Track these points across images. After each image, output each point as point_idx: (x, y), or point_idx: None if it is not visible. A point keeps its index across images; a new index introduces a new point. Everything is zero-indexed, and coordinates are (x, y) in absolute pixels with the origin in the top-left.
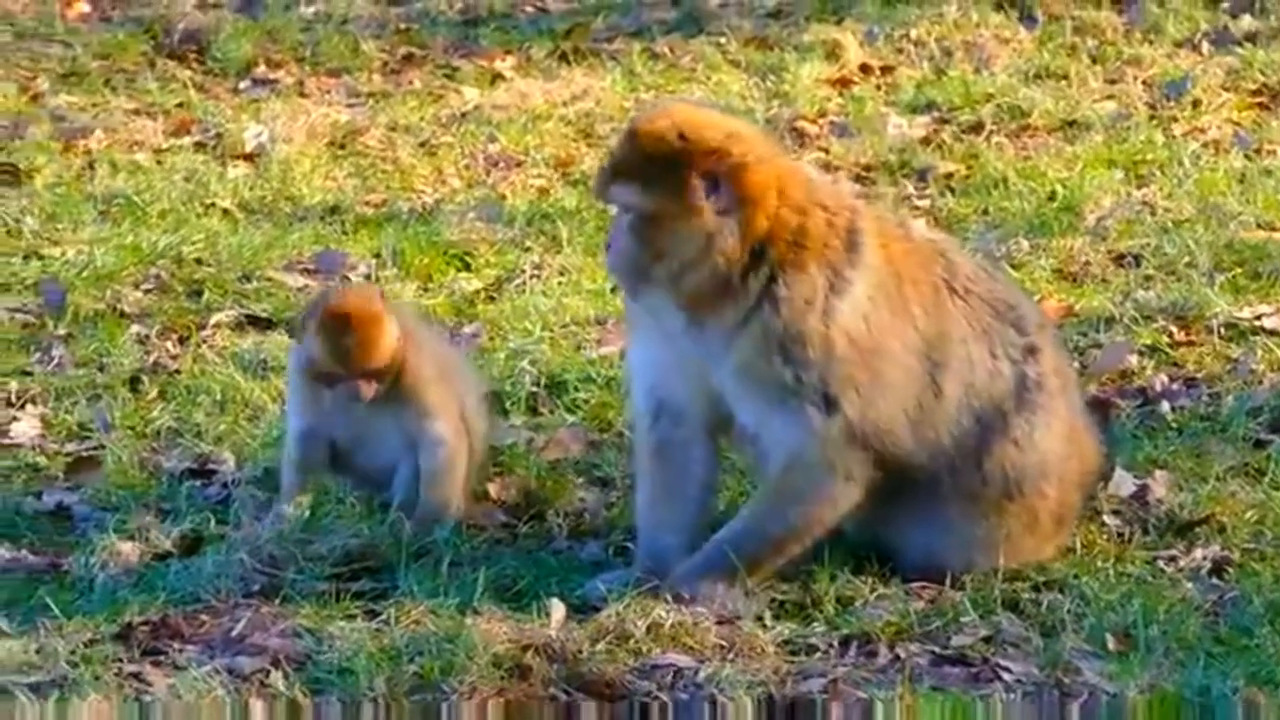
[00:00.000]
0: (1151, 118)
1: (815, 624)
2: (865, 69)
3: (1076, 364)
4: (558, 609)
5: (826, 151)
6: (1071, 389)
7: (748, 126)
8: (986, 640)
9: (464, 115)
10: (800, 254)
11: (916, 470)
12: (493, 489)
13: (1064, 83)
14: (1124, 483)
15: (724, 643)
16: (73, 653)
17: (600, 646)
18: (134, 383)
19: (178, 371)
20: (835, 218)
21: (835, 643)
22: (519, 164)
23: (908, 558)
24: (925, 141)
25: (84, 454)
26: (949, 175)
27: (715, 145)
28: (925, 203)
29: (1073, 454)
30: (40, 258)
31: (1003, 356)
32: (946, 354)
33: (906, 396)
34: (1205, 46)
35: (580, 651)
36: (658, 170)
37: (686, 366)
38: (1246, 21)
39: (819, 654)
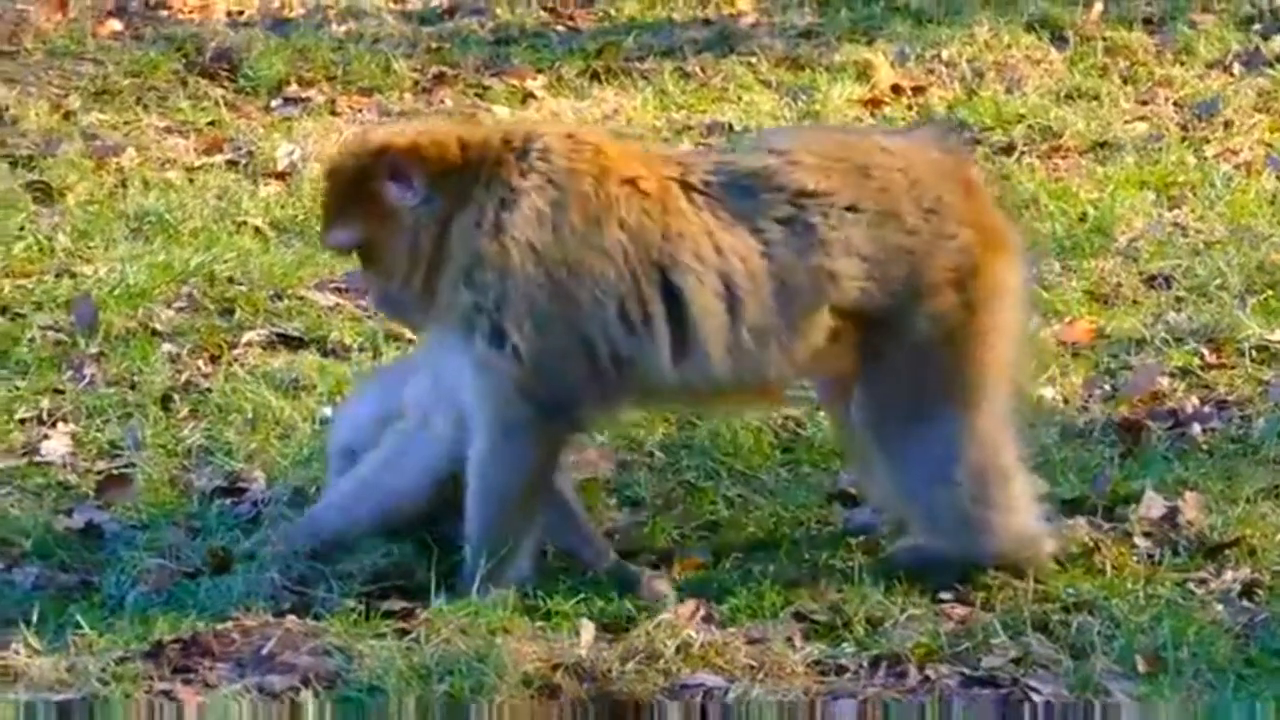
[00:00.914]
0: (1183, 139)
1: (845, 644)
2: (896, 89)
3: (1108, 386)
4: (588, 629)
5: None
6: (877, 178)
7: (422, 122)
8: (1016, 661)
9: None
10: (470, 187)
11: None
12: None
13: (1095, 104)
14: (1154, 505)
15: (754, 663)
16: (103, 670)
17: (630, 666)
18: (165, 401)
19: (209, 390)
20: (510, 140)
21: (865, 663)
22: None
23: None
24: None
25: (115, 472)
26: None
27: (383, 144)
28: None
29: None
30: (72, 275)
31: (769, 227)
32: (676, 255)
33: (607, 307)
34: (1237, 68)
35: (610, 671)
36: (354, 197)
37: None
38: (1278, 43)
39: (849, 675)
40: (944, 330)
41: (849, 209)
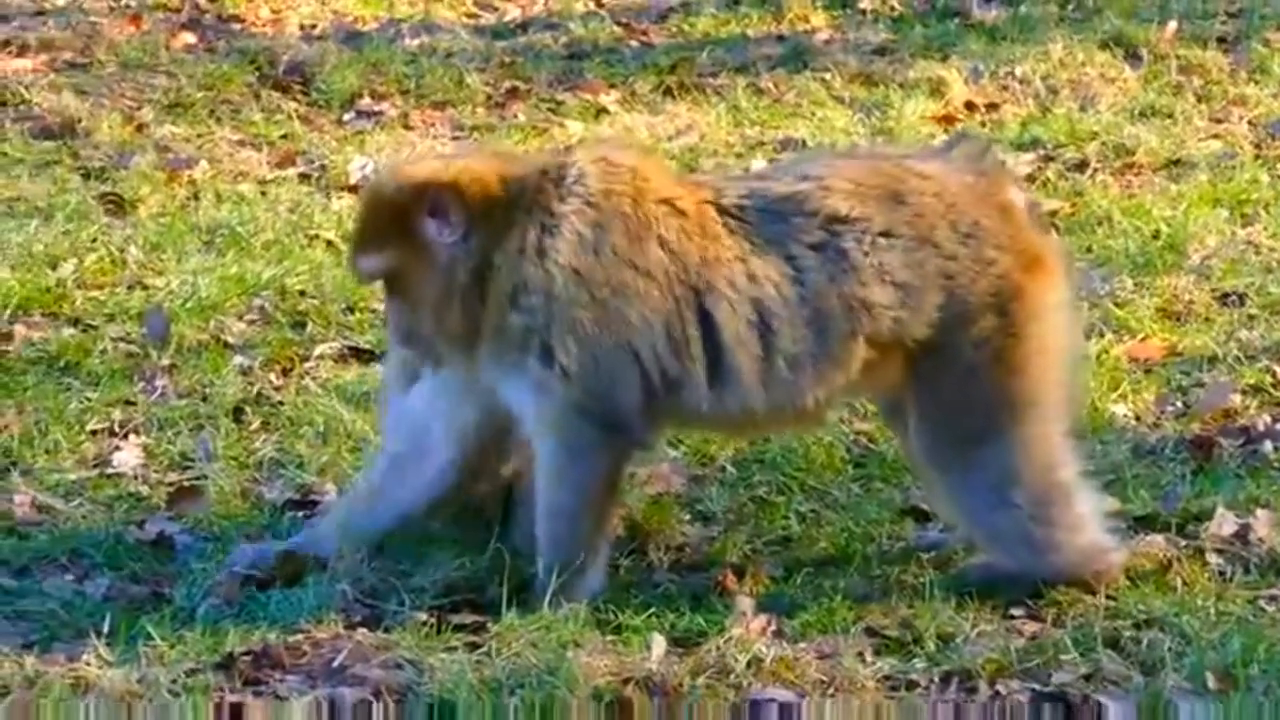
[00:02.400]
0: (1257, 157)
1: (916, 660)
2: (970, 106)
3: (1180, 403)
4: (659, 643)
5: None
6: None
7: (467, 153)
8: (1087, 678)
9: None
10: (511, 217)
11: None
12: None
13: (1169, 121)
14: (1226, 522)
15: (824, 678)
16: (174, 682)
17: (701, 680)
18: (237, 413)
19: (280, 402)
20: (547, 170)
21: (936, 679)
22: None
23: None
24: (1030, 179)
25: (186, 484)
26: (1053, 213)
27: (426, 179)
28: None
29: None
30: (144, 288)
31: (802, 254)
32: (712, 280)
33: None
34: None
35: (681, 685)
36: (390, 227)
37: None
38: None
39: (919, 690)
40: (989, 354)
41: (883, 235)
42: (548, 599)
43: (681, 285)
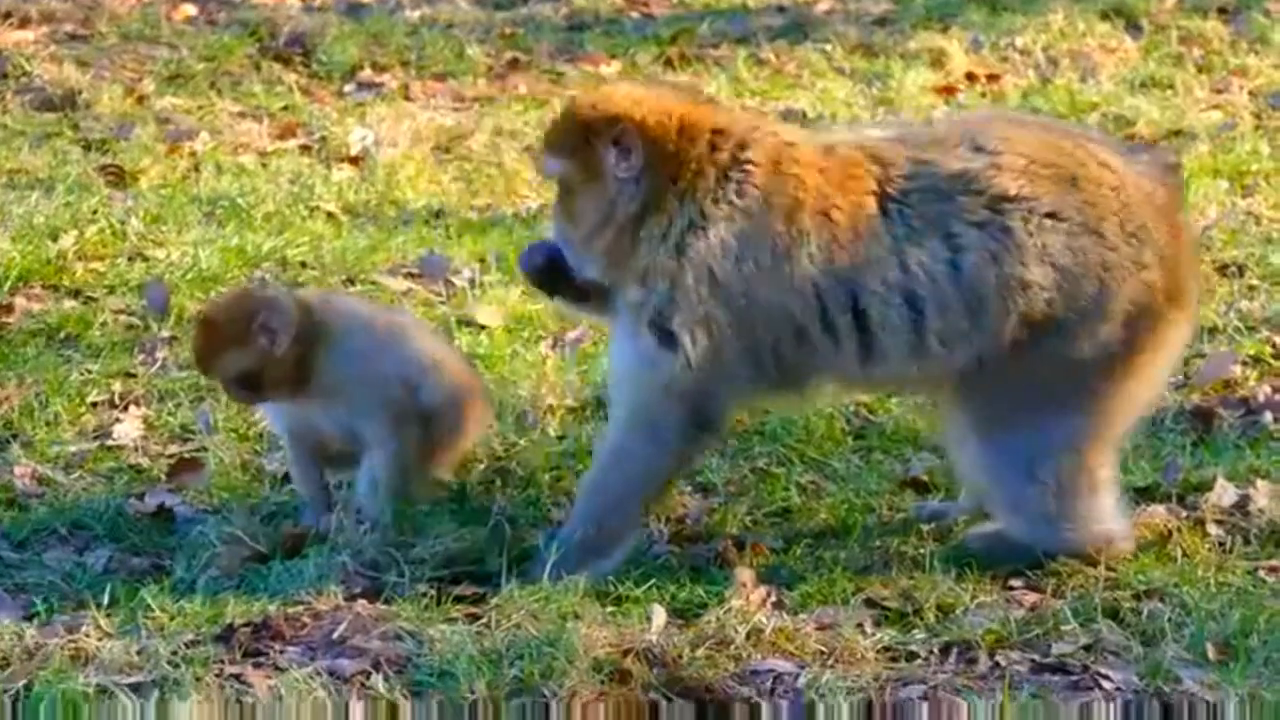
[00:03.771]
0: (1257, 128)
1: (916, 631)
2: (971, 77)
3: (1181, 374)
4: (659, 614)
5: None
6: (1087, 189)
7: (671, 92)
8: (1087, 648)
9: None
10: (672, 187)
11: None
12: None
13: (1169, 92)
14: (1226, 493)
15: (824, 649)
16: (174, 653)
17: (700, 651)
18: None
19: None
20: (719, 146)
21: (936, 650)
22: None
23: (981, 451)
24: None
25: (186, 456)
26: None
27: (619, 111)
28: None
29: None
30: (145, 259)
31: (964, 231)
32: (864, 281)
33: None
34: None
35: (680, 656)
36: (576, 142)
37: None
38: None
39: (919, 661)
40: (1097, 349)
41: (1049, 216)
42: (547, 571)
43: (829, 291)
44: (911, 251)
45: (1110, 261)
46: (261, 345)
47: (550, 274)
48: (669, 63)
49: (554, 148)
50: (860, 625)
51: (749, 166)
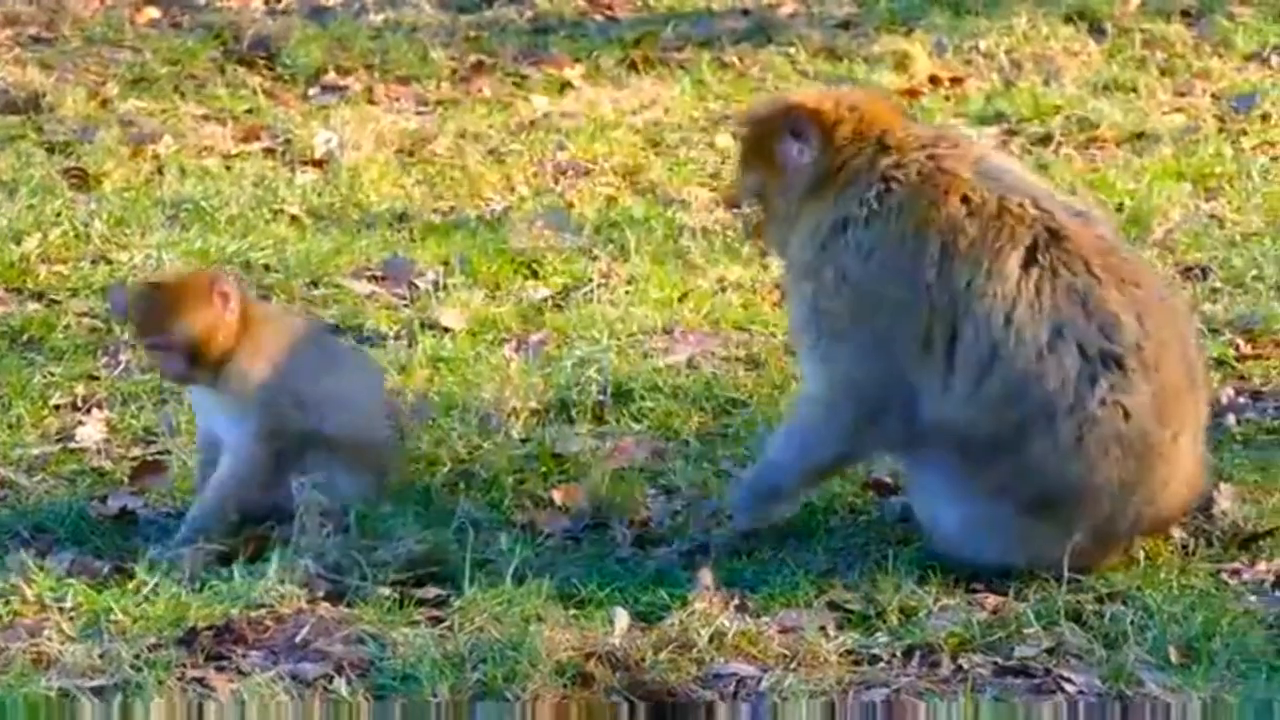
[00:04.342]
0: (1220, 131)
1: (879, 634)
2: (934, 80)
3: None
4: (621, 617)
5: None
6: (1164, 423)
7: (857, 91)
8: (1049, 651)
9: (533, 123)
10: (836, 175)
11: (931, 440)
12: (558, 496)
13: (1133, 95)
14: None
15: (787, 652)
16: (137, 657)
17: (663, 655)
18: None
19: None
20: (879, 152)
21: (898, 653)
22: (587, 172)
23: (932, 535)
24: None
25: (149, 458)
26: None
27: (795, 103)
28: None
29: (1137, 492)
30: (108, 262)
31: (1068, 348)
32: (969, 312)
33: (899, 344)
34: (1275, 60)
35: (643, 660)
36: (760, 148)
37: None
38: None
39: (882, 664)
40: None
41: (1125, 414)
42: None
43: (937, 308)
44: (1022, 315)
45: (1099, 487)
46: (217, 310)
47: None
48: (633, 66)
49: (742, 165)
50: (823, 628)
51: (898, 174)
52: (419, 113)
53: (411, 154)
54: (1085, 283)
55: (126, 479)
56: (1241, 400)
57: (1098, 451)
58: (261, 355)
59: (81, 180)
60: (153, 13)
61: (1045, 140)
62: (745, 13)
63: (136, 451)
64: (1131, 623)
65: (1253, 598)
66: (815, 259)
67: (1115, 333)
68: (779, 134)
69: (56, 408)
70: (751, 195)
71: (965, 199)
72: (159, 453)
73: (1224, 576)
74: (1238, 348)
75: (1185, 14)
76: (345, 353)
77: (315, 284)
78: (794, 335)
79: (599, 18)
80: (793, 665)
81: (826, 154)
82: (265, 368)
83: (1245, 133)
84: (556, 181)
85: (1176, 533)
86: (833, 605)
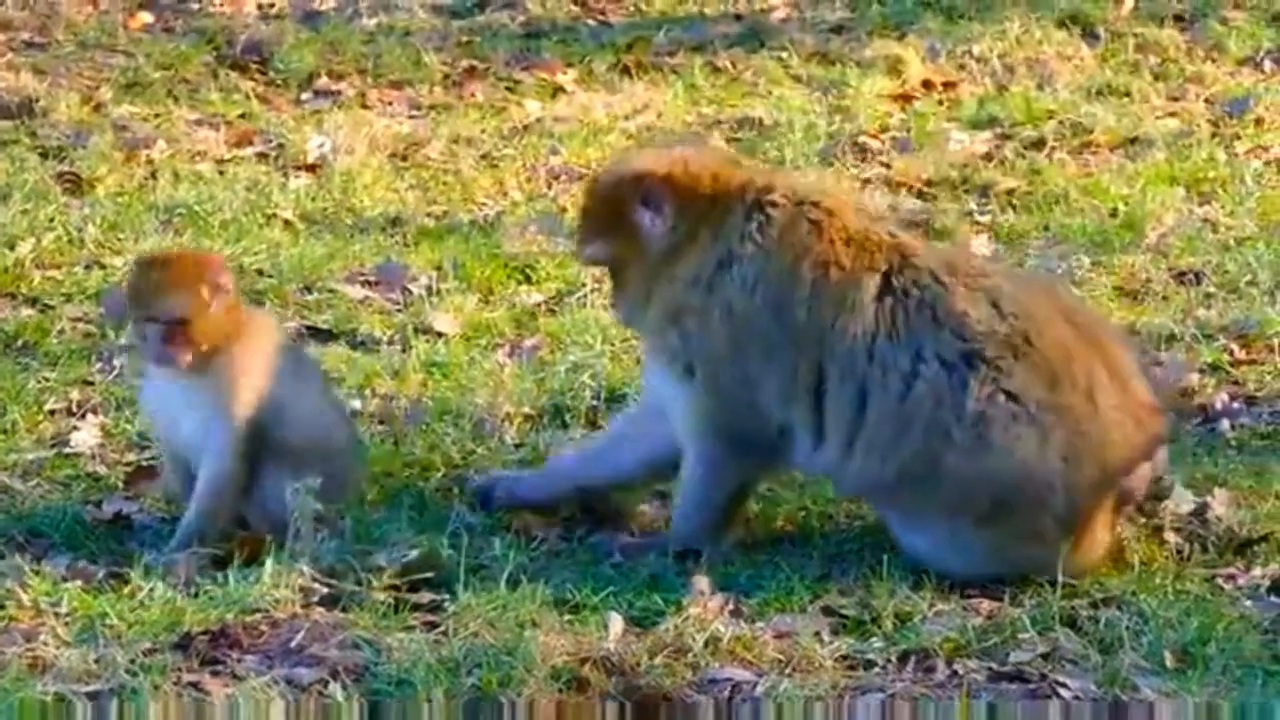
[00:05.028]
0: (1214, 135)
1: (873, 639)
2: (927, 84)
3: None
4: (616, 622)
5: (888, 167)
6: (1060, 387)
7: (681, 149)
8: (1045, 657)
9: (525, 128)
10: (702, 232)
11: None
12: None
13: (1126, 100)
14: (1183, 500)
15: (782, 657)
16: (132, 662)
17: (658, 660)
18: None
19: None
20: (747, 191)
21: (893, 658)
22: (580, 177)
23: (907, 556)
24: (987, 157)
25: (144, 463)
26: (1010, 191)
27: (644, 170)
28: (987, 218)
29: (1082, 463)
30: (102, 267)
31: (930, 366)
32: (834, 347)
33: (771, 377)
34: (1268, 64)
35: (638, 664)
36: (610, 218)
37: None
38: None
39: (877, 669)
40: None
41: (1009, 396)
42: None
43: (806, 350)
44: (882, 347)
45: (1035, 473)
46: (206, 297)
47: None
48: (625, 70)
49: (587, 232)
50: (818, 633)
51: (771, 213)
52: (412, 117)
53: (404, 158)
54: (933, 293)
55: (121, 484)
56: (1236, 405)
57: (1006, 439)
58: (251, 352)
59: (75, 185)
60: (146, 17)
61: (1038, 145)
62: (738, 17)
63: (131, 456)
64: (1126, 628)
65: (1248, 603)
66: (701, 300)
67: (966, 330)
68: (630, 203)
69: (51, 413)
70: (598, 263)
71: (840, 231)
72: (153, 458)
73: (1219, 581)
74: (1232, 353)
75: (1178, 19)
76: (305, 357)
77: (308, 289)
78: (665, 388)
79: (591, 22)
80: (788, 670)
81: (684, 219)
82: (254, 365)
83: (1239, 137)
84: (549, 186)
85: (1171, 538)
86: (828, 610)
